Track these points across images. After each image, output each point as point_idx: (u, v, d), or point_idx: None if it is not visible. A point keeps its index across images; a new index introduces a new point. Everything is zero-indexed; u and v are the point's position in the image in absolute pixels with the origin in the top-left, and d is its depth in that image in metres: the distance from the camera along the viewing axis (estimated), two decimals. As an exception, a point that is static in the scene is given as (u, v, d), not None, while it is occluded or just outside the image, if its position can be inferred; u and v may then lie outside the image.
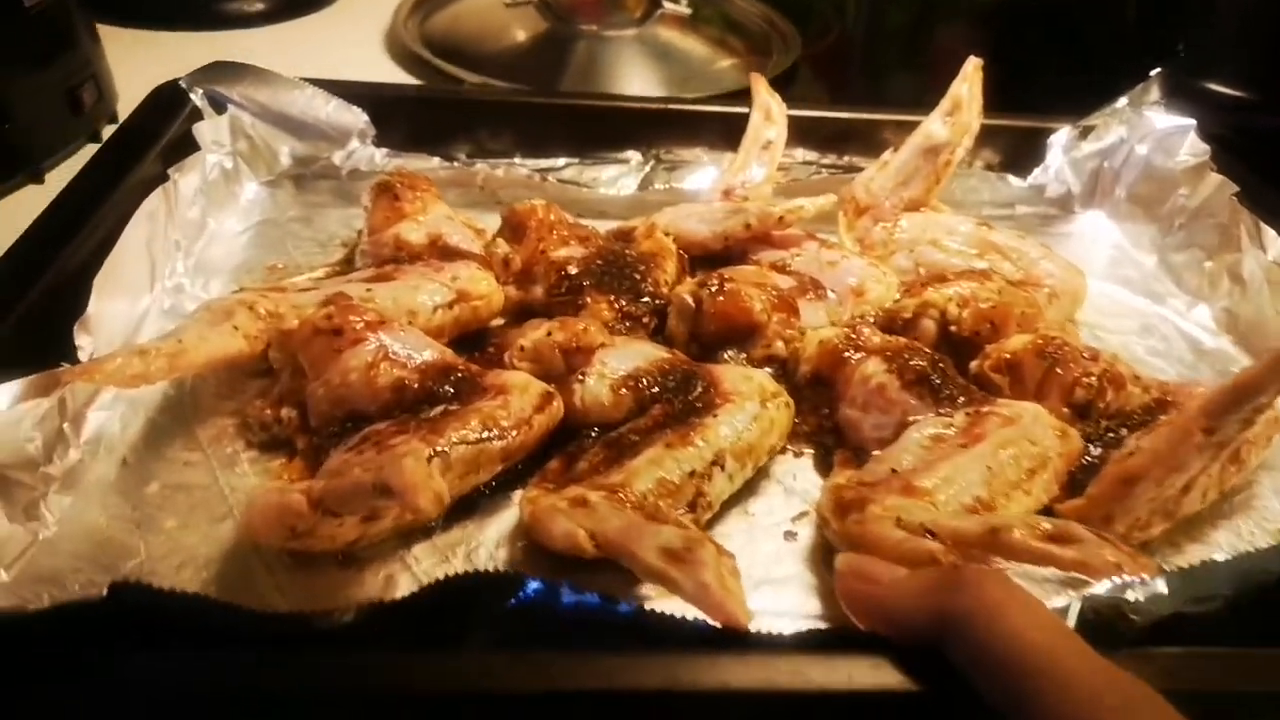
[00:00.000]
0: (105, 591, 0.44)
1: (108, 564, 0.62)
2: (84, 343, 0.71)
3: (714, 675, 0.46)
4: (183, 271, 0.90)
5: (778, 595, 0.64)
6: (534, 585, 0.50)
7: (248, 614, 0.46)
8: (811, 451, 0.76)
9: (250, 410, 0.74)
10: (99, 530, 0.65)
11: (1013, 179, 1.11)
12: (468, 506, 0.68)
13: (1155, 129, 1.06)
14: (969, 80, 0.98)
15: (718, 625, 0.49)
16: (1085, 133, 1.10)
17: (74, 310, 0.72)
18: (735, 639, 0.49)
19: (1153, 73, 1.07)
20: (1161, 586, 0.53)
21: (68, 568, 0.61)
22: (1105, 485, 0.65)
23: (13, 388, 0.63)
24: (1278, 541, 0.71)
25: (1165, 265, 1.04)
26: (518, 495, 0.69)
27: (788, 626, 0.61)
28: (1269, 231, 0.92)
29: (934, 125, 0.98)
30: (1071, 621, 0.52)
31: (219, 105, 1.01)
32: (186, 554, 0.63)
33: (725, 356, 0.81)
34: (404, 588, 0.63)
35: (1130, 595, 0.53)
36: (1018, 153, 1.12)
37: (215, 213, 0.99)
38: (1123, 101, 1.08)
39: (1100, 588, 0.53)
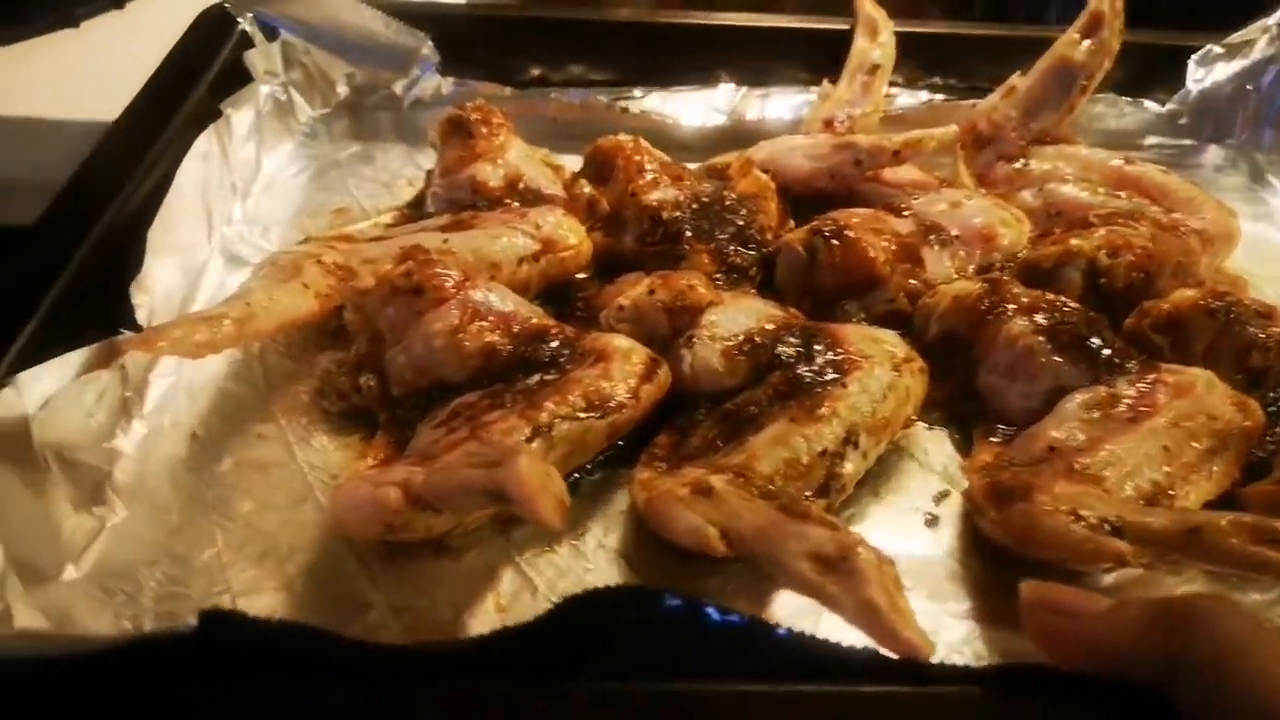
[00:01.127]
0: (196, 622, 0.38)
1: (183, 554, 0.56)
2: (141, 301, 0.66)
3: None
4: (240, 217, 0.83)
5: (926, 591, 0.57)
6: (673, 602, 0.43)
7: (353, 646, 0.40)
8: (945, 423, 0.68)
9: (325, 377, 0.67)
10: (170, 514, 0.59)
11: (1148, 103, 0.99)
12: (569, 486, 0.61)
13: (1311, 46, 0.94)
14: (1112, -9, 0.86)
15: (892, 656, 0.42)
16: (1230, 51, 0.98)
17: (129, 266, 0.66)
18: (911, 673, 0.42)
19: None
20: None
21: (141, 559, 0.56)
22: (1303, 470, 0.57)
23: (71, 360, 0.57)
24: None
25: (1319, 202, 0.93)
26: (623, 473, 0.62)
27: (943, 630, 0.55)
28: None
29: (1070, 46, 0.86)
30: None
31: (270, 31, 0.93)
32: (267, 542, 0.58)
33: (845, 309, 0.72)
34: (508, 581, 0.56)
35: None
36: (1149, 75, 1.00)
37: (270, 151, 0.91)
38: (1275, 16, 0.96)
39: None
